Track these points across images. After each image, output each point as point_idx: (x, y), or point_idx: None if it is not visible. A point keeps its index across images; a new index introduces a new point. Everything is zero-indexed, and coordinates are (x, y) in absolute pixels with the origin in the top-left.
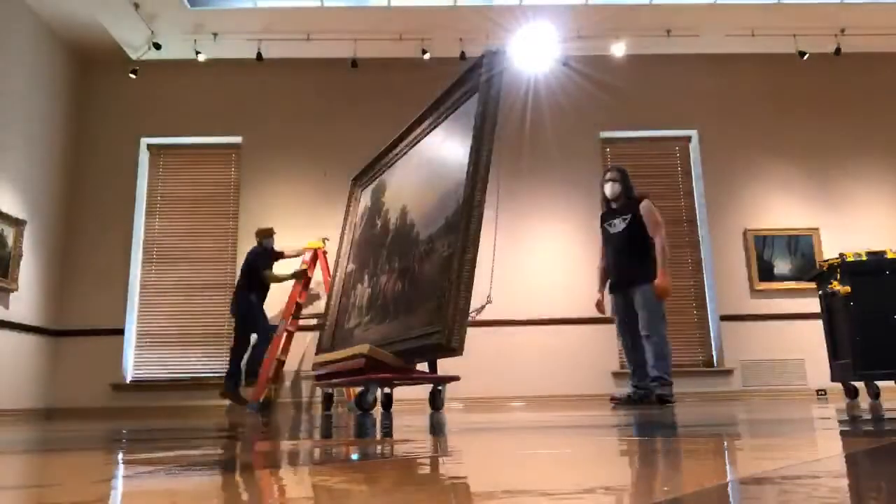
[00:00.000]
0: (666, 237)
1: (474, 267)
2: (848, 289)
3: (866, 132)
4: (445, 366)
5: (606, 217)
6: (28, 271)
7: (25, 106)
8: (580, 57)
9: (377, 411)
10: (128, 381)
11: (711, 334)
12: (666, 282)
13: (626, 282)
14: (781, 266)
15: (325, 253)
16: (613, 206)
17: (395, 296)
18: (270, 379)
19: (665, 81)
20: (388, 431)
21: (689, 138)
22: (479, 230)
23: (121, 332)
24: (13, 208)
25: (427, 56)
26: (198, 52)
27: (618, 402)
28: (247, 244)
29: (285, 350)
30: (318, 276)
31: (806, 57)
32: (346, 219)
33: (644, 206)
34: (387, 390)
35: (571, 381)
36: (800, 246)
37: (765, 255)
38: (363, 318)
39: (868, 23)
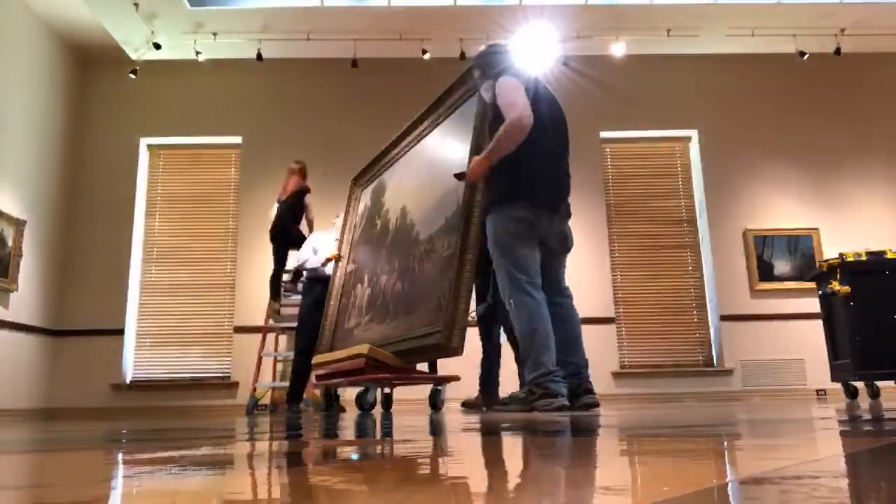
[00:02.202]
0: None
1: (474, 267)
2: (848, 289)
3: (866, 132)
4: (445, 366)
5: None
6: (28, 271)
7: (25, 106)
8: (580, 57)
9: (377, 411)
10: (128, 381)
11: (711, 334)
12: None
13: None
14: (781, 266)
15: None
16: None
17: (395, 296)
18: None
19: (665, 81)
20: (388, 431)
21: (689, 138)
22: (480, 230)
23: (121, 332)
24: (13, 208)
25: (427, 56)
26: (198, 52)
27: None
28: (247, 244)
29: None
30: None
31: (806, 57)
32: (345, 219)
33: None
34: (386, 390)
35: None
36: (800, 246)
37: (765, 255)
38: (363, 318)
39: (868, 23)
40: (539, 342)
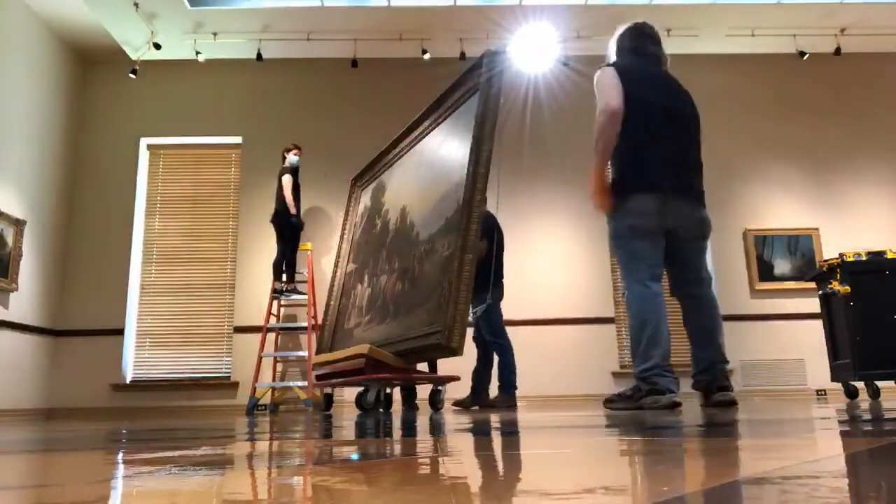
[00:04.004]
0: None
1: (474, 267)
2: (848, 289)
3: (866, 132)
4: (445, 366)
5: None
6: (28, 271)
7: (25, 106)
8: (580, 57)
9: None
10: (128, 381)
11: None
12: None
13: None
14: (781, 266)
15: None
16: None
17: (395, 296)
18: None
19: None
20: (388, 431)
21: None
22: (480, 230)
23: (121, 332)
24: (13, 208)
25: (427, 56)
26: (198, 52)
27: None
28: (247, 244)
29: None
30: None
31: (806, 57)
32: (346, 219)
33: None
34: (387, 390)
35: (572, 381)
36: (800, 246)
37: (765, 255)
38: (363, 318)
39: (868, 23)
40: (647, 334)
